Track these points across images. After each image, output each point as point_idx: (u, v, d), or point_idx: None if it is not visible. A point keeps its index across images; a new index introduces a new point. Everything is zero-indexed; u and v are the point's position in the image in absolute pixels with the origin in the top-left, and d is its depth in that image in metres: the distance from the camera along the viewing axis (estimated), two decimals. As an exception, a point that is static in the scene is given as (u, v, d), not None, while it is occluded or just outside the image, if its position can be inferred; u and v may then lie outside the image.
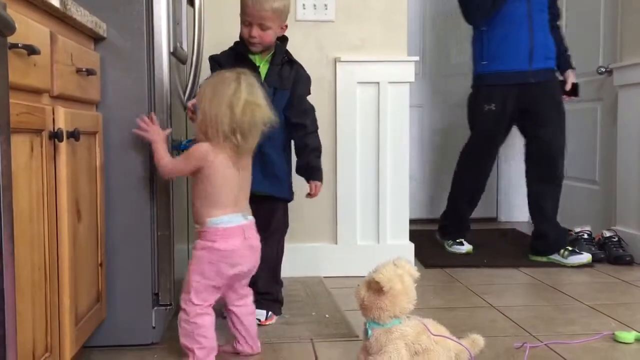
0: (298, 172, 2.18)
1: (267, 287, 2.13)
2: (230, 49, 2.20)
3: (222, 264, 1.67)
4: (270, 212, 2.12)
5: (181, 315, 1.71)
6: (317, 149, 2.17)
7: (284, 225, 2.22)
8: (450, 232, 3.40)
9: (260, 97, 1.70)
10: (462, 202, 3.35)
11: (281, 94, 2.12)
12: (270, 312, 2.12)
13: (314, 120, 2.19)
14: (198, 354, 1.68)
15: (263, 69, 2.14)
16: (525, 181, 3.26)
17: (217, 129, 1.66)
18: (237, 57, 2.14)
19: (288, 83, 2.13)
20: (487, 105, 3.14)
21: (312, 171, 2.15)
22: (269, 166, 2.07)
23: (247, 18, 2.08)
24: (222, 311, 1.87)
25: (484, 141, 3.24)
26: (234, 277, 1.72)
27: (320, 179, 2.15)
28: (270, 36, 2.10)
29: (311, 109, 2.20)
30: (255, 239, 1.74)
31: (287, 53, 2.19)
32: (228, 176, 1.69)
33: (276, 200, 2.14)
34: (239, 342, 1.81)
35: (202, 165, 1.67)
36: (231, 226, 1.67)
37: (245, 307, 1.81)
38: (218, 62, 2.14)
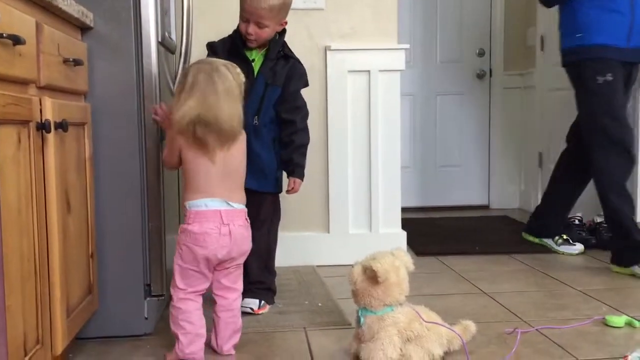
0: (282, 166, 2.17)
1: (259, 276, 2.14)
2: (229, 36, 2.19)
3: (195, 247, 1.64)
4: (257, 204, 2.06)
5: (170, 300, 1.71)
6: (303, 146, 2.16)
7: (274, 216, 2.21)
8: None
9: (213, 103, 1.63)
10: (616, 198, 2.69)
11: (272, 89, 2.11)
12: (262, 301, 2.12)
13: (304, 117, 2.18)
14: (182, 339, 1.67)
15: (257, 63, 2.13)
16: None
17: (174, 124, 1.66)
18: (231, 48, 2.12)
19: (280, 79, 2.12)
20: (600, 77, 2.68)
21: (294, 167, 2.14)
22: (255, 161, 2.03)
23: (245, 14, 2.07)
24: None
25: (610, 119, 2.67)
26: (210, 262, 1.67)
27: (300, 176, 2.15)
28: (267, 33, 2.09)
29: (303, 106, 2.18)
30: (237, 227, 1.68)
31: (284, 46, 2.17)
32: (200, 165, 1.66)
33: (262, 193, 2.12)
34: (213, 334, 1.76)
35: (180, 153, 1.68)
36: (205, 210, 1.65)
37: (225, 300, 1.74)
38: (214, 50, 2.14)
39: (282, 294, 2.29)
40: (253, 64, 2.13)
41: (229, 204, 1.68)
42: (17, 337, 1.22)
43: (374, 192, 2.86)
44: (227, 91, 1.65)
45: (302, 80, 2.19)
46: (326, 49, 2.79)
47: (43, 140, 1.39)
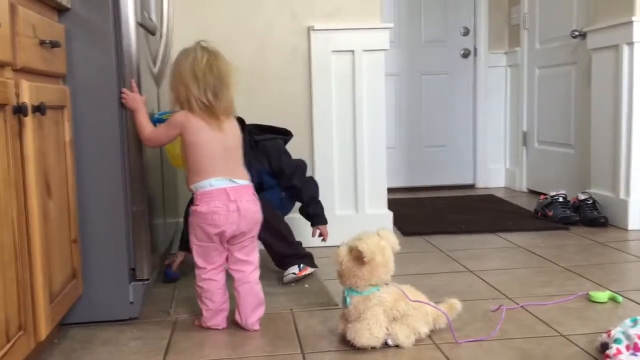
0: (304, 216, 2.39)
1: (285, 253, 2.27)
2: None
3: (206, 226, 1.72)
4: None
5: None
6: (312, 199, 2.36)
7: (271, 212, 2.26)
8: None
9: (221, 57, 1.78)
10: None
11: (265, 171, 2.32)
12: (302, 265, 2.25)
13: (301, 174, 2.37)
14: (205, 314, 1.80)
15: None
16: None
17: (188, 99, 1.73)
18: None
19: (264, 163, 2.32)
20: None
21: (312, 218, 2.38)
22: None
23: None
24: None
25: None
26: (221, 238, 1.74)
27: (321, 222, 2.37)
28: None
29: (294, 167, 2.35)
30: (245, 202, 1.74)
31: (250, 138, 2.31)
32: (206, 140, 1.73)
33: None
34: (237, 310, 1.81)
35: (182, 132, 1.74)
36: (211, 189, 1.72)
37: (241, 273, 1.80)
38: None
39: (268, 275, 2.29)
40: None
41: (233, 181, 1.74)
42: (-2, 324, 1.21)
43: (359, 172, 2.86)
44: (234, 71, 1.78)
45: (279, 152, 2.35)
46: (309, 29, 2.76)
47: (20, 124, 1.36)
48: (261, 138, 2.35)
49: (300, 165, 2.39)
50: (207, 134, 1.73)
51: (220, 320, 1.81)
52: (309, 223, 2.40)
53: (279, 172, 2.34)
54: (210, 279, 1.78)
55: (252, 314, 1.80)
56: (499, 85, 4.48)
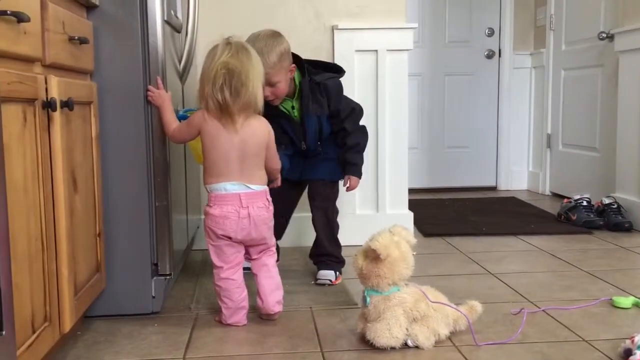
0: (339, 164, 2.30)
1: (330, 249, 2.29)
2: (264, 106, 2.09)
3: (216, 229, 1.75)
4: (327, 188, 2.30)
5: None
6: (355, 146, 2.26)
7: (333, 197, 2.34)
8: None
9: (245, 52, 1.73)
10: None
11: (323, 118, 2.22)
12: (337, 273, 2.25)
13: (355, 120, 2.27)
14: (224, 312, 1.81)
15: (297, 107, 2.21)
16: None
17: (205, 97, 1.73)
18: (268, 113, 1.99)
19: (323, 106, 2.20)
20: None
21: (347, 166, 2.26)
22: (325, 159, 2.27)
23: None
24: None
25: None
26: (232, 241, 1.76)
27: (354, 173, 2.26)
28: (282, 88, 2.11)
29: (350, 110, 2.25)
30: (256, 208, 1.75)
31: (310, 79, 2.18)
32: (221, 143, 1.73)
33: (332, 180, 2.31)
34: (257, 295, 1.84)
35: (200, 131, 1.76)
36: (224, 194, 1.74)
37: (258, 259, 1.84)
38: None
39: (288, 273, 2.30)
40: (294, 110, 2.21)
41: (248, 186, 1.74)
42: (25, 315, 1.23)
43: (381, 172, 2.85)
44: (256, 66, 1.74)
45: (339, 92, 2.24)
46: (333, 28, 2.77)
47: (49, 118, 1.38)
48: (321, 79, 2.20)
49: (357, 109, 2.29)
50: (224, 137, 1.73)
51: (240, 318, 1.82)
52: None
53: (335, 113, 2.22)
54: (227, 278, 1.79)
55: (271, 295, 1.82)
56: (524, 87, 4.44)
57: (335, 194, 2.35)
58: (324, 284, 2.21)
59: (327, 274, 2.23)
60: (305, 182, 2.36)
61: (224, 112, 1.71)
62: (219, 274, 1.79)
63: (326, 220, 2.30)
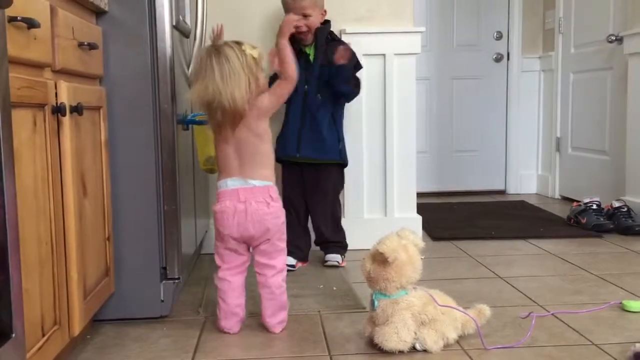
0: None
1: (334, 236, 2.56)
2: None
3: (218, 225, 1.76)
4: (321, 177, 2.51)
5: None
6: (346, 78, 2.44)
7: (339, 186, 2.60)
8: None
9: (225, 54, 1.67)
10: None
11: (328, 69, 2.41)
12: (343, 256, 2.52)
13: (356, 85, 2.51)
14: (218, 313, 1.81)
15: (312, 54, 2.49)
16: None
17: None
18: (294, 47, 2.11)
19: (330, 58, 2.40)
20: None
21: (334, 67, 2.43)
22: (316, 131, 2.45)
23: (291, 12, 2.31)
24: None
25: None
26: (233, 240, 1.74)
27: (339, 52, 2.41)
28: (314, 23, 2.45)
29: (355, 79, 2.50)
30: (255, 203, 1.71)
31: (331, 33, 2.52)
32: (220, 146, 1.77)
33: (325, 166, 2.50)
34: (261, 312, 1.82)
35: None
36: (225, 189, 1.75)
37: (262, 276, 1.78)
38: None
39: (296, 277, 2.30)
40: (310, 56, 2.49)
41: (247, 181, 1.73)
42: (35, 318, 1.24)
43: (389, 176, 2.85)
44: (227, 73, 1.66)
45: (351, 58, 2.43)
46: (341, 32, 2.77)
47: (59, 123, 1.40)
48: (340, 40, 2.55)
49: (358, 81, 2.52)
50: (219, 139, 1.76)
51: (231, 324, 1.78)
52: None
53: (335, 72, 2.41)
54: (223, 278, 1.78)
55: (272, 317, 1.79)
56: (532, 90, 4.42)
57: (341, 183, 2.60)
58: (332, 265, 2.48)
59: (334, 257, 2.50)
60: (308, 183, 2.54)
61: (218, 126, 1.74)
62: (217, 273, 1.80)
63: (329, 211, 2.56)
